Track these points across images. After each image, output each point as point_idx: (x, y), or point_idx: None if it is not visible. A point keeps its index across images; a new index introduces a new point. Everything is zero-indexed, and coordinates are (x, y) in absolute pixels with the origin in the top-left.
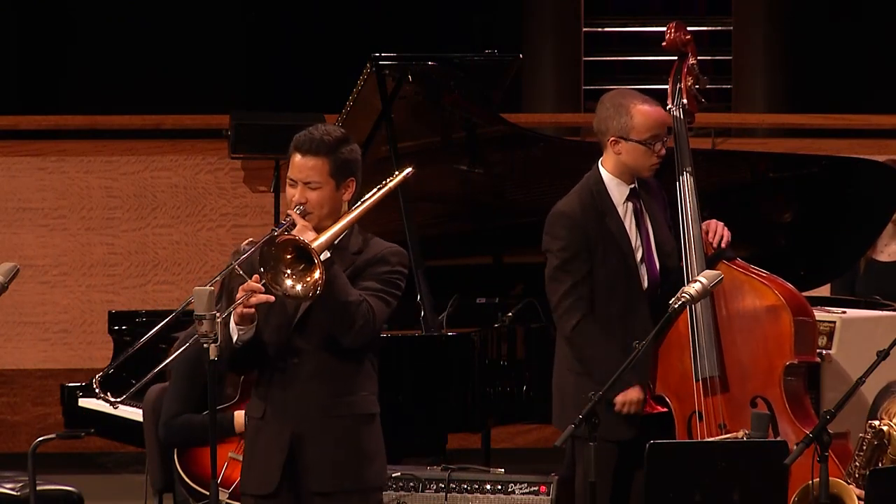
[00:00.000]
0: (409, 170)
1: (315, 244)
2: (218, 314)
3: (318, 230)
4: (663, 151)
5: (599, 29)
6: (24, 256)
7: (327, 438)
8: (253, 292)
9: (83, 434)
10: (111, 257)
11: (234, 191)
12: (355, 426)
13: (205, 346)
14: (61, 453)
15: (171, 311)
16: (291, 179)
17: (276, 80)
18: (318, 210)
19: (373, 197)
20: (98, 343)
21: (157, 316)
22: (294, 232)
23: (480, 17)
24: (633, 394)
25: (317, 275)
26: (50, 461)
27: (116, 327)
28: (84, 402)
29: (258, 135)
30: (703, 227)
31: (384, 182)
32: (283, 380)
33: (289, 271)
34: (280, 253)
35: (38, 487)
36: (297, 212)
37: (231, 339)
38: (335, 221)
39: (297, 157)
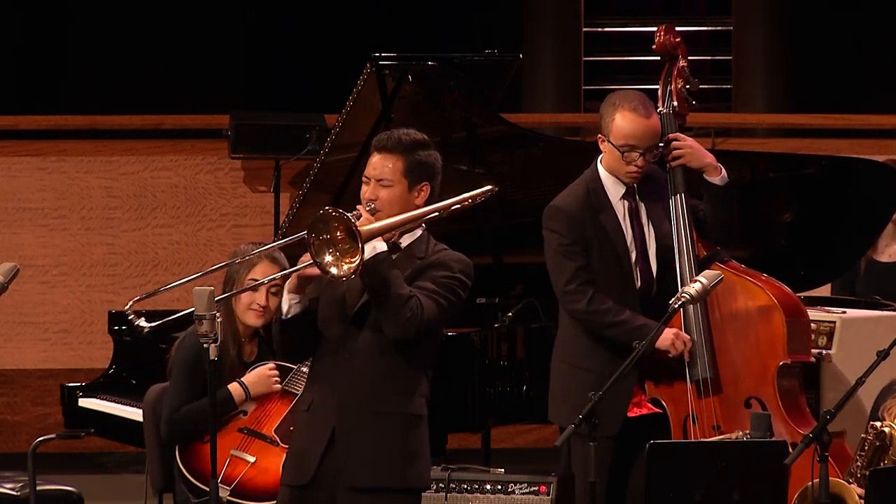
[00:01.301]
0: (489, 187)
1: (364, 228)
2: (218, 314)
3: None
4: (641, 162)
5: (599, 29)
6: (24, 256)
7: (369, 434)
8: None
9: (83, 434)
10: (111, 257)
11: (234, 191)
12: (400, 425)
13: (205, 346)
14: (61, 453)
15: (171, 311)
16: (365, 177)
17: (276, 80)
18: (387, 209)
19: (444, 202)
20: (98, 343)
21: (157, 316)
22: (357, 223)
23: (480, 17)
24: (666, 337)
25: (356, 261)
26: (50, 461)
27: (116, 327)
28: (84, 402)
29: (258, 135)
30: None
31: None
32: (333, 374)
33: (333, 248)
34: (331, 228)
35: (38, 487)
36: (367, 209)
37: (281, 310)
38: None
39: (375, 156)
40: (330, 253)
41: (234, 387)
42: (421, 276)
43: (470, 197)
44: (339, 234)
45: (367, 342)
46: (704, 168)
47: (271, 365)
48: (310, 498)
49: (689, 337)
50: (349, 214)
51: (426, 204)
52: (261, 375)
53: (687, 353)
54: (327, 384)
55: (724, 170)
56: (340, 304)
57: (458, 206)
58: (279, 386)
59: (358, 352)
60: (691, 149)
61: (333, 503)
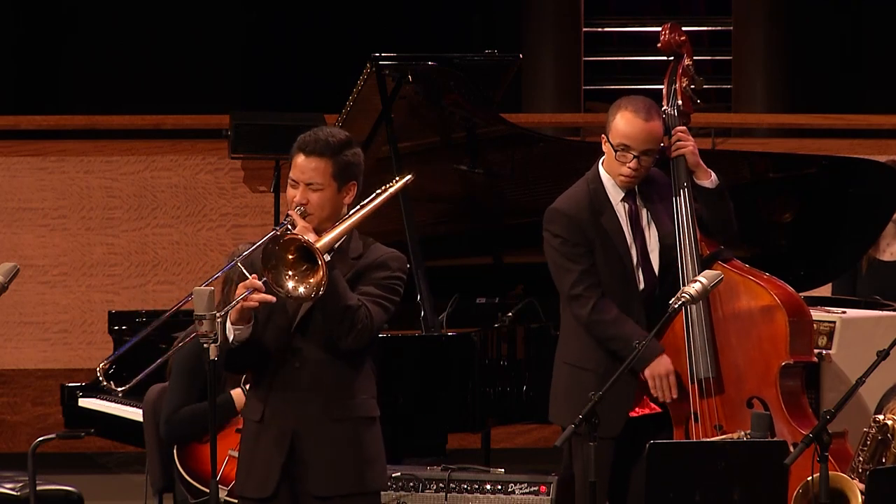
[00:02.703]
0: (409, 177)
1: (318, 244)
2: (218, 314)
3: (318, 232)
4: (634, 164)
5: (599, 29)
6: (24, 256)
7: (328, 441)
8: (255, 290)
9: (83, 434)
10: (111, 257)
11: (234, 191)
12: (356, 429)
13: (205, 346)
14: (61, 453)
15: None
16: (293, 180)
17: (275, 79)
18: (318, 212)
19: (373, 202)
20: (98, 343)
21: (157, 316)
22: (295, 232)
23: (480, 17)
24: (660, 366)
25: (319, 276)
26: (50, 461)
27: (116, 327)
28: (84, 402)
29: (258, 135)
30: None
31: (385, 187)
32: (284, 382)
33: (290, 272)
34: (282, 253)
35: (38, 487)
36: (298, 212)
37: (227, 339)
38: (335, 224)
39: (300, 158)
40: (290, 278)
41: (237, 392)
42: (362, 279)
43: (394, 191)
44: (290, 256)
45: (315, 350)
46: (696, 169)
47: None
48: None
49: (674, 381)
50: (300, 235)
51: (354, 202)
52: None
53: (668, 395)
54: (280, 394)
55: (713, 174)
56: (282, 314)
57: (386, 199)
58: None
59: (307, 360)
60: (693, 145)
61: None
